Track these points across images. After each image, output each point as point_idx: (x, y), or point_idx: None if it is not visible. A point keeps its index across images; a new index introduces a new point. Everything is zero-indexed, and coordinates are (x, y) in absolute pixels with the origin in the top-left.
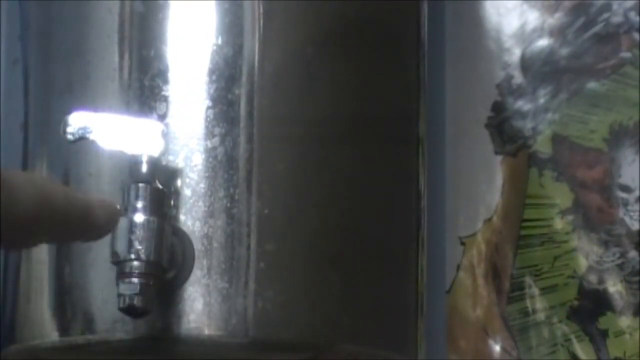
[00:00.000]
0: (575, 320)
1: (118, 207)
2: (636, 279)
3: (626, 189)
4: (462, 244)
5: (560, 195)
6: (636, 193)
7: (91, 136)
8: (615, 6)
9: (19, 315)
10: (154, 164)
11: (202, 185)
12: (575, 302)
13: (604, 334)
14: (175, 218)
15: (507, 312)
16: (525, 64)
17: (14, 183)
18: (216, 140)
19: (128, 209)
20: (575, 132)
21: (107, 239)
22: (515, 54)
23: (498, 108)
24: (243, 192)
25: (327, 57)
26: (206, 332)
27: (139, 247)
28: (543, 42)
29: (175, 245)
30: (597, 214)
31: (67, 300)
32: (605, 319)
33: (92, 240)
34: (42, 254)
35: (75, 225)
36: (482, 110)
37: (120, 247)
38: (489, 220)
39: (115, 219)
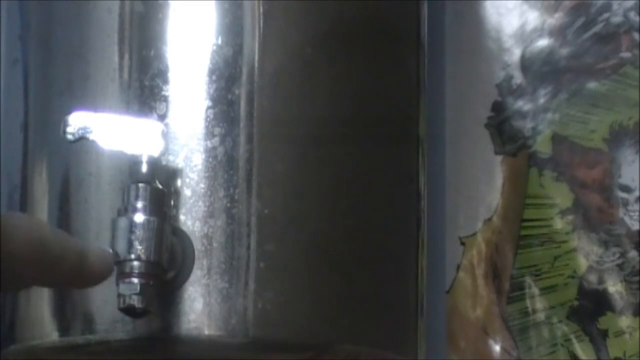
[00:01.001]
0: (575, 320)
1: (112, 257)
2: (636, 279)
3: (626, 189)
4: (462, 244)
5: (560, 195)
6: (636, 193)
7: (91, 136)
8: (615, 6)
9: (19, 315)
10: (154, 164)
11: (202, 185)
12: (575, 302)
13: (604, 334)
14: (175, 218)
15: (507, 312)
16: (525, 64)
17: (7, 221)
18: (216, 140)
19: (128, 209)
20: (575, 132)
21: (107, 237)
22: (515, 54)
23: (498, 108)
24: (243, 192)
25: (326, 57)
26: (206, 332)
27: (139, 247)
28: (543, 42)
29: (175, 245)
30: (597, 214)
31: (67, 300)
32: (605, 319)
33: (86, 287)
34: None
35: (68, 270)
36: (482, 110)
37: (120, 247)
38: (489, 220)
39: (110, 268)
